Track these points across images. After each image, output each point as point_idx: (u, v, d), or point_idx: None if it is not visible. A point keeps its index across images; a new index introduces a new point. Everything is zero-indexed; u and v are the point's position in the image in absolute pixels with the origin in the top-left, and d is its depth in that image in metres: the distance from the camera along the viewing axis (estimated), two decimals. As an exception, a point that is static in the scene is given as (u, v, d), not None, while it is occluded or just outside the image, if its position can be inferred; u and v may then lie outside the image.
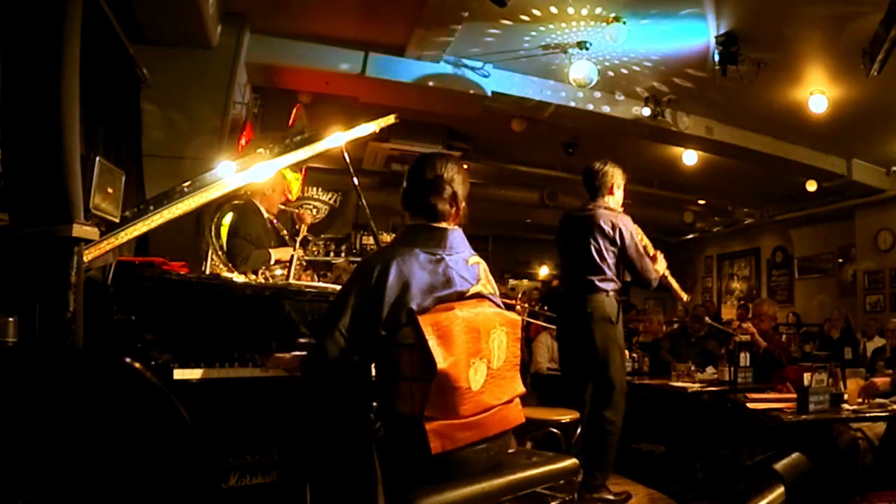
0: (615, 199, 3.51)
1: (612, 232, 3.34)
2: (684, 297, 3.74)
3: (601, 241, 3.35)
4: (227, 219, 3.31)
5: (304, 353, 2.00)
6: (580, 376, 3.42)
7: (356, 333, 1.70)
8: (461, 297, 1.78)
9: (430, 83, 5.63)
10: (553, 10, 4.80)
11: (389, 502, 1.67)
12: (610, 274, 3.36)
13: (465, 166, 1.95)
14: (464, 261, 1.84)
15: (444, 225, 1.86)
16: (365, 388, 1.76)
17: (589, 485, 3.16)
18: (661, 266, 3.53)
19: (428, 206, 1.85)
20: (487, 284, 1.88)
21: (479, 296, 1.83)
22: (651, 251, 3.52)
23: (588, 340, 3.31)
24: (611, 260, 3.36)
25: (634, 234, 3.41)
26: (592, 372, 3.35)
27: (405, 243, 1.81)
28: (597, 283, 3.33)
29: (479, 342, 1.71)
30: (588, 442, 3.23)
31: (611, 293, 3.36)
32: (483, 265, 1.90)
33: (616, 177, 3.50)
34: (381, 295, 1.68)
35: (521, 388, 1.87)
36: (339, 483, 1.78)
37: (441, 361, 1.60)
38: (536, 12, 4.83)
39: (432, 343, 1.61)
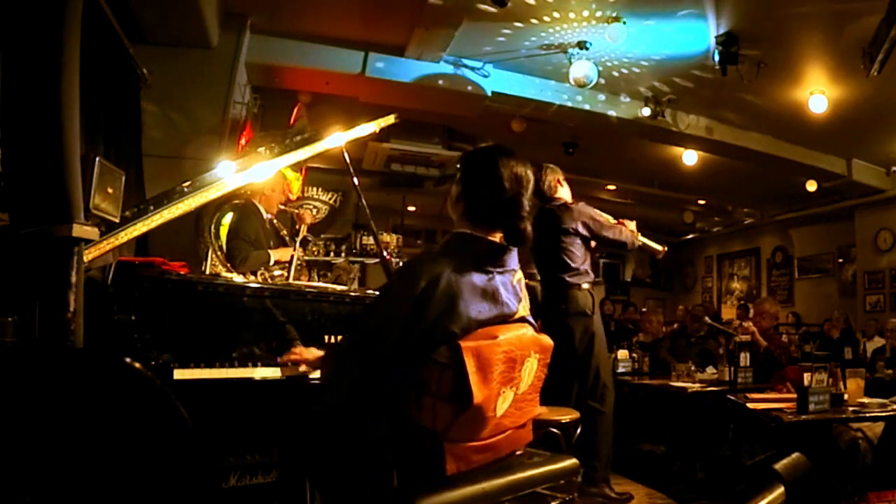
0: (564, 190, 3.68)
1: (575, 226, 3.50)
2: (659, 248, 3.83)
3: (566, 239, 3.50)
4: (227, 219, 3.32)
5: (318, 354, 1.99)
6: (566, 373, 3.46)
7: (389, 341, 1.62)
8: (504, 320, 1.68)
9: (430, 83, 5.63)
10: (553, 10, 4.80)
11: (388, 494, 1.65)
12: (581, 268, 3.50)
13: (527, 173, 1.80)
14: (511, 280, 1.74)
15: (501, 241, 1.72)
16: (383, 392, 1.70)
17: (590, 477, 3.20)
18: (631, 227, 3.65)
19: (512, 229, 1.68)
20: (526, 306, 1.80)
21: (522, 319, 1.75)
22: (612, 221, 3.66)
23: (567, 335, 3.41)
24: (579, 252, 3.51)
25: (594, 214, 3.56)
26: (576, 366, 3.43)
27: (457, 255, 1.66)
28: (568, 279, 3.49)
29: (514, 371, 1.65)
30: (581, 435, 3.25)
31: (584, 287, 3.50)
32: (524, 282, 1.82)
33: (556, 174, 3.68)
34: (426, 307, 1.58)
35: (538, 410, 1.82)
36: (344, 484, 1.76)
37: (478, 395, 1.53)
38: (536, 12, 4.83)
39: (472, 375, 1.53)
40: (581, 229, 3.50)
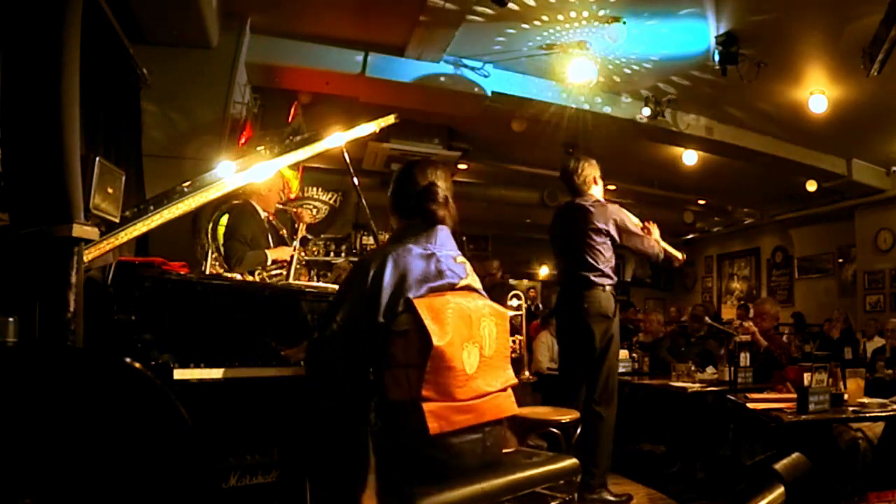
0: (598, 188, 3.59)
1: (605, 227, 3.40)
2: (679, 256, 3.76)
3: (595, 238, 3.40)
4: (224, 220, 3.31)
5: None
6: (577, 373, 3.43)
7: (352, 326, 1.77)
8: (452, 288, 1.85)
9: (430, 83, 5.62)
10: (553, 10, 4.81)
11: (387, 495, 1.68)
12: (605, 269, 3.40)
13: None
14: (452, 258, 1.92)
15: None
16: (363, 383, 1.79)
17: (587, 484, 3.16)
18: (655, 234, 3.58)
19: (427, 211, 1.92)
20: (475, 281, 1.96)
21: (469, 288, 1.91)
22: (640, 224, 3.58)
23: (586, 336, 3.34)
24: (606, 254, 3.41)
25: (626, 219, 3.48)
26: (588, 368, 3.37)
27: (398, 241, 1.90)
28: (592, 278, 3.38)
29: (471, 328, 1.78)
30: (581, 439, 3.24)
31: (607, 288, 3.40)
32: (468, 265, 1.98)
33: (595, 170, 3.59)
34: (379, 287, 1.75)
35: (514, 379, 1.93)
36: (337, 478, 1.79)
37: (437, 340, 1.67)
38: (537, 12, 4.83)
39: (428, 322, 1.68)
40: (612, 230, 3.41)
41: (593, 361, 3.35)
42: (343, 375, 1.81)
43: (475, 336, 1.78)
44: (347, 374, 1.80)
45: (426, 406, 1.66)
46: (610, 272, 3.42)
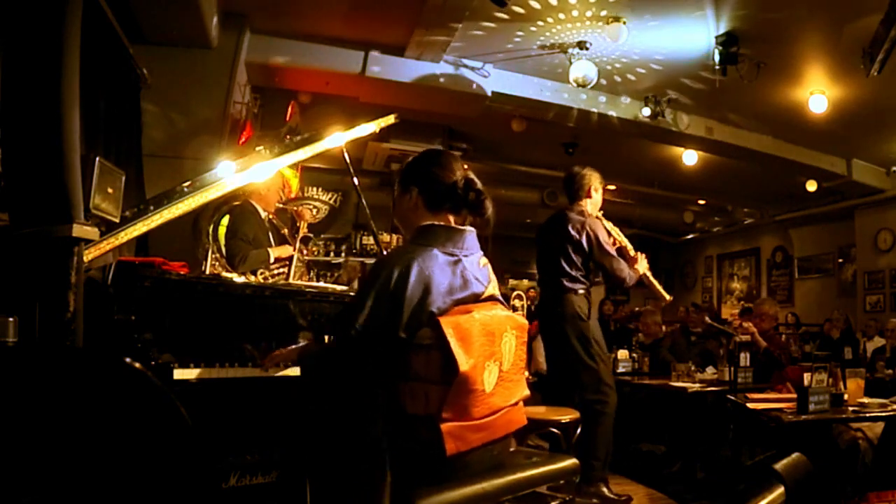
0: (593, 201, 3.67)
1: (577, 236, 3.49)
2: (666, 297, 3.81)
3: (568, 246, 3.49)
4: (225, 220, 3.32)
5: (300, 344, 2.00)
6: (565, 374, 3.50)
7: (371, 333, 1.67)
8: (476, 298, 1.77)
9: (430, 83, 5.63)
10: (554, 10, 4.81)
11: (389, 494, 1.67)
12: (578, 275, 3.50)
13: (465, 166, 1.94)
14: (477, 262, 1.84)
15: (460, 225, 1.84)
16: (374, 388, 1.74)
17: (587, 476, 3.18)
18: (641, 266, 3.64)
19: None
20: (496, 288, 1.88)
21: (492, 298, 1.83)
22: (631, 252, 3.64)
23: (563, 338, 3.44)
24: (578, 262, 3.50)
25: (602, 237, 3.53)
26: (574, 368, 3.43)
27: (423, 243, 1.77)
28: (566, 283, 3.49)
29: (493, 345, 1.71)
30: (581, 433, 3.25)
31: (580, 292, 3.50)
32: (490, 267, 1.90)
33: (594, 180, 3.67)
34: (402, 297, 1.65)
35: (526, 392, 1.88)
36: (342, 483, 1.77)
37: (463, 364, 1.59)
38: (537, 12, 4.83)
39: (454, 346, 1.60)
40: (584, 242, 3.48)
41: (577, 362, 3.41)
42: (357, 380, 1.75)
43: (496, 353, 1.71)
44: (360, 380, 1.75)
45: (444, 427, 1.60)
46: (581, 278, 3.51)
